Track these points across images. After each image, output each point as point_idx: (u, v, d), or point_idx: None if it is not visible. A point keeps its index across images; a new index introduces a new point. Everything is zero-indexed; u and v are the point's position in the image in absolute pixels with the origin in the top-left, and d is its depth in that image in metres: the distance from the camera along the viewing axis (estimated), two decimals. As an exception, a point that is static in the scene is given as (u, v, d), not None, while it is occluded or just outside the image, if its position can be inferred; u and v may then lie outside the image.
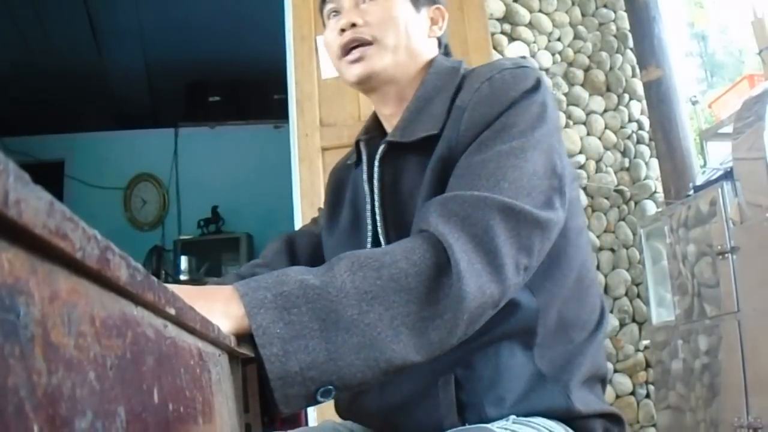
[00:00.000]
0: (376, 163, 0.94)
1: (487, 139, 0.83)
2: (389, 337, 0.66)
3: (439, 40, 1.05)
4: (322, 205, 1.18)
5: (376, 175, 0.94)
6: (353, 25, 0.96)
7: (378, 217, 0.93)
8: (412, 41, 0.98)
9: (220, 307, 0.63)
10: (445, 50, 1.07)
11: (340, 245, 1.00)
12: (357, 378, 0.65)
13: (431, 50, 1.03)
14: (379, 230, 0.93)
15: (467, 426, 0.80)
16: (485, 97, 0.86)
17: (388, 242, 0.91)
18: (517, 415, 0.83)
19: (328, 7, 1.02)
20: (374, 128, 1.06)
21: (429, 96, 0.95)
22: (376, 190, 0.94)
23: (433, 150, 0.89)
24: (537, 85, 0.87)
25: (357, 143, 1.04)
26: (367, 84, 0.98)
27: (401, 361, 0.67)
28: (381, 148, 0.94)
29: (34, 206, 0.21)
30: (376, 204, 0.93)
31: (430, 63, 1.00)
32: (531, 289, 0.85)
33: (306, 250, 1.12)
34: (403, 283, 0.68)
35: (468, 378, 0.84)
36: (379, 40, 0.96)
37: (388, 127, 1.02)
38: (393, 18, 0.97)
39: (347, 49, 0.96)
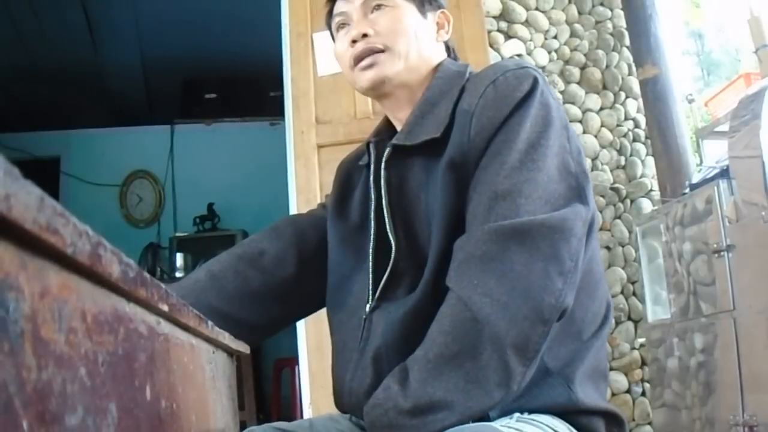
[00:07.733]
0: (383, 166, 0.97)
1: (499, 151, 0.85)
2: (452, 404, 0.75)
3: (446, 43, 1.09)
4: (318, 201, 1.18)
5: (382, 177, 0.96)
6: (365, 35, 0.99)
7: (387, 218, 0.95)
8: (421, 47, 1.01)
9: None
10: (453, 54, 1.10)
11: (347, 243, 1.04)
12: None
13: (439, 54, 1.06)
14: (388, 229, 0.95)
15: (471, 424, 0.80)
16: (491, 101, 0.88)
17: (397, 241, 0.94)
18: (521, 411, 0.84)
19: (336, 20, 1.05)
20: (385, 131, 1.08)
21: (435, 100, 0.97)
22: (383, 192, 0.96)
23: (438, 153, 0.91)
24: (537, 86, 0.88)
25: (368, 145, 1.06)
26: (380, 89, 1.01)
27: (477, 413, 0.76)
28: (387, 151, 0.97)
29: (24, 201, 0.21)
30: (384, 204, 0.96)
31: (438, 67, 1.02)
32: None
33: (314, 234, 1.12)
34: (447, 353, 0.77)
35: None
36: (390, 47, 0.99)
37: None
38: (402, 25, 1.00)
39: (360, 58, 1.00)
